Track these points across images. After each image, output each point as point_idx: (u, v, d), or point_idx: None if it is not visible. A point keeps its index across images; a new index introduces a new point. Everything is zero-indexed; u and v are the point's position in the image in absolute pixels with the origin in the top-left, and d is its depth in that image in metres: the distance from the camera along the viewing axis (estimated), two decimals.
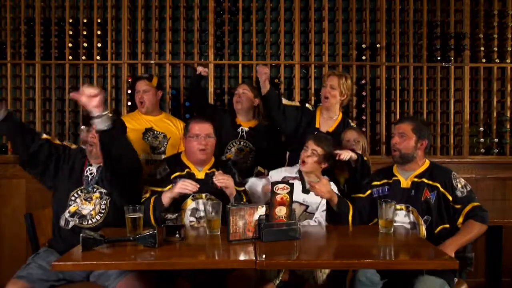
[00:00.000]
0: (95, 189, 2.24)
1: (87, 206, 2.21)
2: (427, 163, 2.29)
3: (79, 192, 2.23)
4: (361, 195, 2.33)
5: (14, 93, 3.44)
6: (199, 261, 1.69)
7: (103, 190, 2.24)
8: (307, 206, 2.36)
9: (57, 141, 2.35)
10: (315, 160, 2.38)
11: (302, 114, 2.86)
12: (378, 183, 2.32)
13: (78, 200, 2.21)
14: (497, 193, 3.39)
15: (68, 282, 2.08)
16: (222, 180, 2.20)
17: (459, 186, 2.19)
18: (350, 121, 2.96)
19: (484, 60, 3.53)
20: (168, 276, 2.13)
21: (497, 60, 3.53)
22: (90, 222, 2.19)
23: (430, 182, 2.21)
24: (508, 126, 3.50)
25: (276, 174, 2.49)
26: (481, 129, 3.50)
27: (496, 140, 3.47)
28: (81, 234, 1.73)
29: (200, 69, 2.93)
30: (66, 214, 2.19)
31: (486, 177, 3.47)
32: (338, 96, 2.80)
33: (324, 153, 2.38)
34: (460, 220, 2.15)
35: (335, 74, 2.85)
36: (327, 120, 2.86)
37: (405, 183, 2.25)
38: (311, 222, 2.31)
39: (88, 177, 2.25)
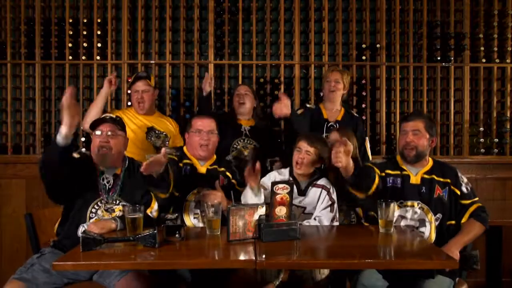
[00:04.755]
0: (117, 201, 2.15)
1: (109, 217, 2.12)
2: (431, 160, 2.27)
3: (99, 204, 2.13)
4: (362, 196, 2.13)
5: (14, 93, 3.44)
6: (199, 261, 1.68)
7: (126, 204, 2.12)
8: (305, 208, 2.35)
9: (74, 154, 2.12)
10: (309, 161, 2.29)
11: (310, 115, 2.98)
12: (392, 172, 2.22)
13: (99, 211, 2.12)
14: (497, 193, 3.39)
15: (72, 283, 2.05)
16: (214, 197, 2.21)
17: (464, 182, 2.22)
18: (352, 111, 3.13)
19: (484, 60, 3.53)
20: (167, 276, 2.13)
21: (497, 60, 3.53)
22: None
23: (441, 179, 2.20)
24: (508, 126, 3.50)
25: (268, 180, 2.36)
26: (481, 129, 3.50)
27: (496, 140, 3.47)
28: (81, 234, 1.73)
29: (207, 88, 3.04)
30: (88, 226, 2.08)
31: (486, 177, 3.47)
32: (341, 89, 2.99)
33: (317, 152, 2.30)
34: (465, 217, 2.16)
35: (338, 69, 3.05)
36: (333, 112, 3.01)
37: (414, 179, 2.20)
38: (311, 222, 2.28)
39: (105, 186, 2.14)
